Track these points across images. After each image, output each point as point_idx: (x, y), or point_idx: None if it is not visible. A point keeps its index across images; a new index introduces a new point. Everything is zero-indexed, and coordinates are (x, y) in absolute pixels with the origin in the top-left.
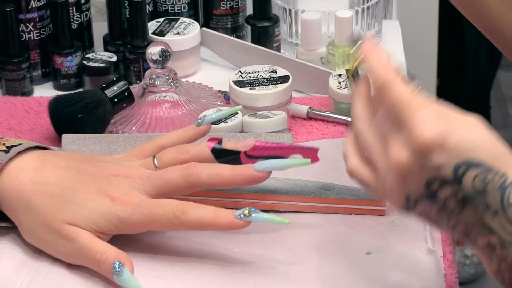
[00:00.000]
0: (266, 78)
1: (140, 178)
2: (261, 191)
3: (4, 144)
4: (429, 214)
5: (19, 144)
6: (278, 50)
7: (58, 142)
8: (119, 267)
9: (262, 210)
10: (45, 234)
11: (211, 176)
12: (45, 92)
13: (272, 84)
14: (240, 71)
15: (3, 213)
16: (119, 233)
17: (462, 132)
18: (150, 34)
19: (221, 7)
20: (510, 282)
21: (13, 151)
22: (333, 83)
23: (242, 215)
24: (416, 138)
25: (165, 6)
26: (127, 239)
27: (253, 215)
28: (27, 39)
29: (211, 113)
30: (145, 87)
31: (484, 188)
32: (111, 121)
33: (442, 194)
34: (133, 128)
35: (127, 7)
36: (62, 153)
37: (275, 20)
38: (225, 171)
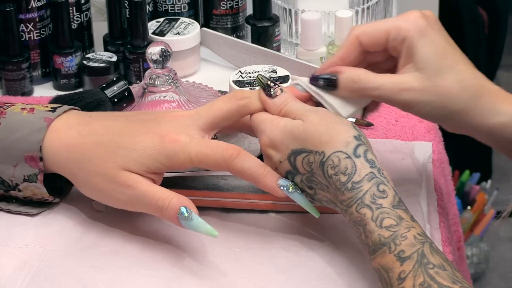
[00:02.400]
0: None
1: (189, 115)
2: (261, 191)
3: (47, 106)
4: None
5: (63, 106)
6: (278, 50)
7: None
8: (187, 213)
9: (263, 211)
10: (102, 183)
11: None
12: (45, 92)
13: None
14: (240, 71)
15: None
16: (168, 170)
17: (276, 132)
18: (150, 34)
19: (221, 7)
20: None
21: (59, 110)
22: None
23: (285, 188)
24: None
25: (165, 6)
26: (127, 239)
27: (294, 193)
28: (27, 39)
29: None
30: (145, 87)
31: (311, 167)
32: None
33: (297, 177)
34: None
35: (127, 7)
36: (107, 112)
37: (275, 20)
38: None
